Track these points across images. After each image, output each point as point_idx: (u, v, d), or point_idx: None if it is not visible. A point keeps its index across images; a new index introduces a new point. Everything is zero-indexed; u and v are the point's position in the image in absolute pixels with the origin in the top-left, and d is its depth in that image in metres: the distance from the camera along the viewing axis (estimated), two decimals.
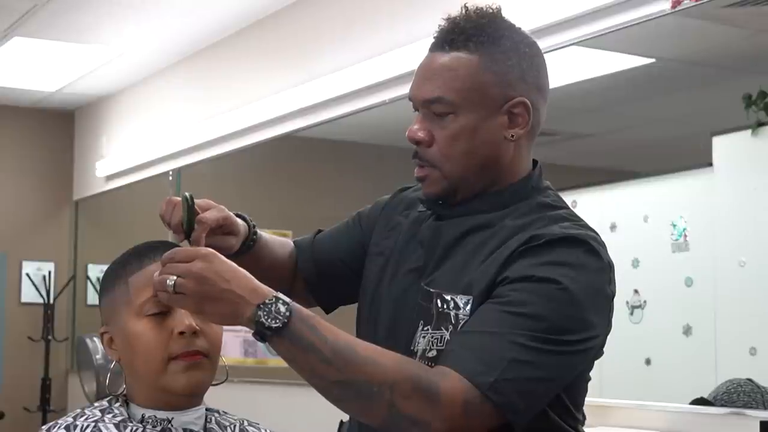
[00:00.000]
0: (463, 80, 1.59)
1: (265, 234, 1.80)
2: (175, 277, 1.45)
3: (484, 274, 1.55)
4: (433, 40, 1.66)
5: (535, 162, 1.70)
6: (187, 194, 1.60)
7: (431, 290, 1.60)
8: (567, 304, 1.49)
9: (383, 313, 1.69)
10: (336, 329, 1.47)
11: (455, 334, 1.54)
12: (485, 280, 1.54)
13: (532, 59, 1.64)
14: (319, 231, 1.91)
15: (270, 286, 1.49)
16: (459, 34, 1.61)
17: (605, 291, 1.56)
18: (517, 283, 1.51)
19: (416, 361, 1.53)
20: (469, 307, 1.54)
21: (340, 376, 1.44)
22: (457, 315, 1.56)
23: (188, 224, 1.60)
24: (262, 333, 1.44)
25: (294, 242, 1.90)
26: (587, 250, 1.54)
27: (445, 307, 1.57)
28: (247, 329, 1.46)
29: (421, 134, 1.63)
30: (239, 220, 1.73)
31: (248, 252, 1.75)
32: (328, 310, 1.88)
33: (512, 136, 1.62)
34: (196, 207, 1.62)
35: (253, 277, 1.47)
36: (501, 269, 1.54)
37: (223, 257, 1.47)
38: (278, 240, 1.86)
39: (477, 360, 1.45)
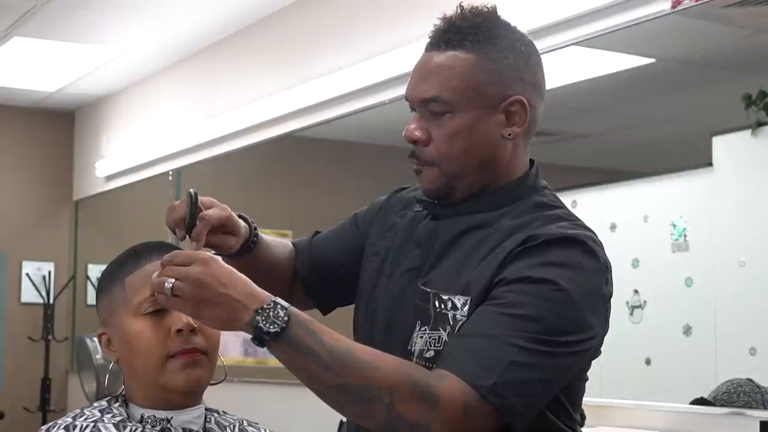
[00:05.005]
0: (459, 79, 1.59)
1: (265, 236, 1.80)
2: (173, 280, 1.45)
3: (481, 275, 1.55)
4: (429, 40, 1.65)
5: (531, 161, 1.69)
6: (191, 191, 1.61)
7: (428, 290, 1.59)
8: (564, 305, 1.49)
9: (380, 313, 1.68)
10: (335, 333, 1.46)
11: (453, 337, 1.54)
12: (483, 281, 1.54)
13: (529, 57, 1.64)
14: (317, 232, 1.90)
15: (271, 289, 1.48)
16: (455, 33, 1.61)
17: (602, 291, 1.55)
18: (513, 284, 1.50)
19: (415, 365, 1.52)
20: (467, 308, 1.54)
21: (339, 380, 1.43)
22: (454, 316, 1.55)
23: (190, 220, 1.60)
24: (260, 338, 1.43)
25: (292, 244, 1.89)
26: (584, 251, 1.54)
27: (442, 307, 1.57)
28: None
29: (418, 134, 1.62)
30: (240, 221, 1.73)
31: (248, 253, 1.74)
32: (325, 312, 1.87)
33: (509, 134, 1.62)
34: (199, 204, 1.62)
35: (251, 282, 1.46)
36: (498, 270, 1.53)
37: (221, 262, 1.47)
38: (279, 242, 1.85)
39: (476, 363, 1.45)
